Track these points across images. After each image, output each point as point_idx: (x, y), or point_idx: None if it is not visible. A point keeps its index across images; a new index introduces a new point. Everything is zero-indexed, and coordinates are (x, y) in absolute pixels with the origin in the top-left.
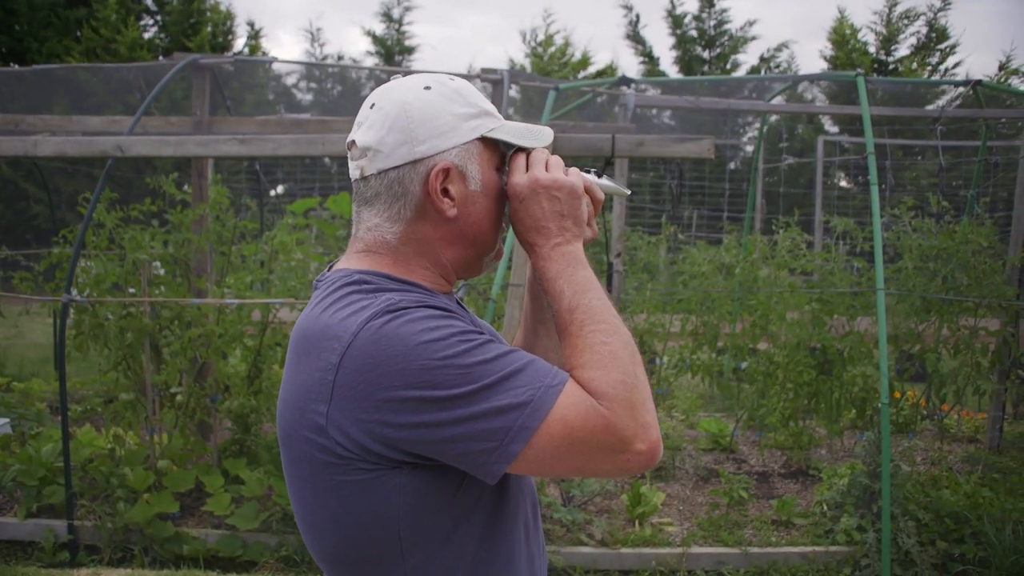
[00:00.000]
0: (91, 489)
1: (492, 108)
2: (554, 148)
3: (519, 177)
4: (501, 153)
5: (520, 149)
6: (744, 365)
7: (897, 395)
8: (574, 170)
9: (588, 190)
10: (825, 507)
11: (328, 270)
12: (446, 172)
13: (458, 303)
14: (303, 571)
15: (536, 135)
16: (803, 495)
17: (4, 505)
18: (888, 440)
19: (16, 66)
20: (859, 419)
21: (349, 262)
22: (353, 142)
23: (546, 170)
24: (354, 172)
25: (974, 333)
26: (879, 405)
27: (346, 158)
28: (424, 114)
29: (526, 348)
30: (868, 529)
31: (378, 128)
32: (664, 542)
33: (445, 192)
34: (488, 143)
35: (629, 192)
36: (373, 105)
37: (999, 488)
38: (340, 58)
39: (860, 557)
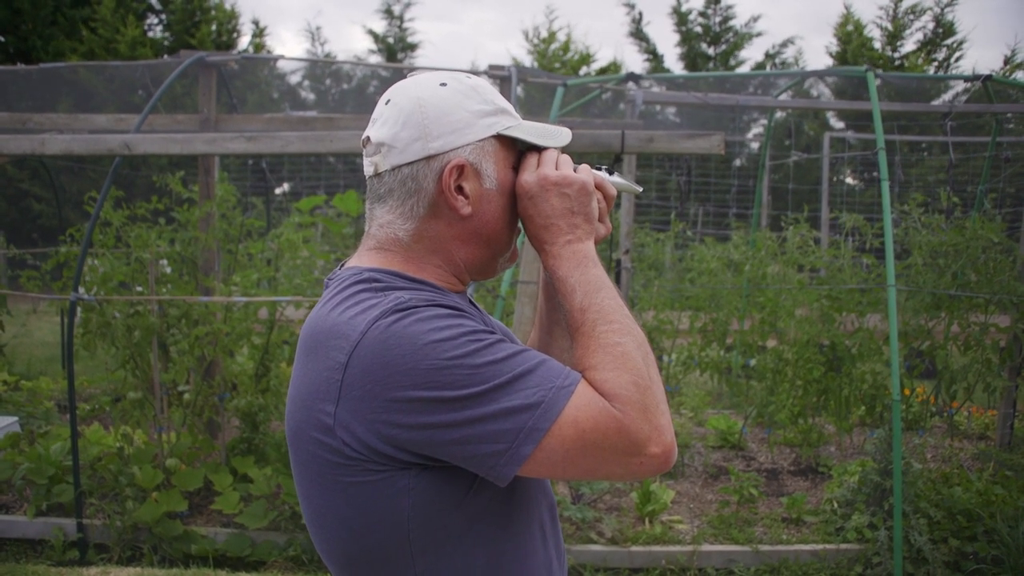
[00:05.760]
0: (100, 488)
1: (509, 106)
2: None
3: (528, 175)
4: (518, 152)
5: (535, 148)
6: (753, 362)
7: (907, 392)
8: (584, 167)
9: (599, 186)
10: (836, 504)
11: (340, 268)
12: (460, 169)
13: (470, 302)
14: (311, 571)
15: (554, 135)
16: (813, 492)
17: (14, 504)
18: (900, 437)
19: (22, 65)
20: (868, 416)
21: (360, 260)
22: (368, 138)
23: (555, 168)
24: (368, 168)
25: (984, 329)
26: (889, 402)
27: (353, 156)
28: (439, 110)
29: (541, 349)
30: (879, 527)
31: (392, 124)
32: (674, 540)
33: (459, 189)
34: (505, 142)
35: (640, 189)
36: (388, 101)
37: (1011, 486)
38: (356, 58)
39: (871, 555)
